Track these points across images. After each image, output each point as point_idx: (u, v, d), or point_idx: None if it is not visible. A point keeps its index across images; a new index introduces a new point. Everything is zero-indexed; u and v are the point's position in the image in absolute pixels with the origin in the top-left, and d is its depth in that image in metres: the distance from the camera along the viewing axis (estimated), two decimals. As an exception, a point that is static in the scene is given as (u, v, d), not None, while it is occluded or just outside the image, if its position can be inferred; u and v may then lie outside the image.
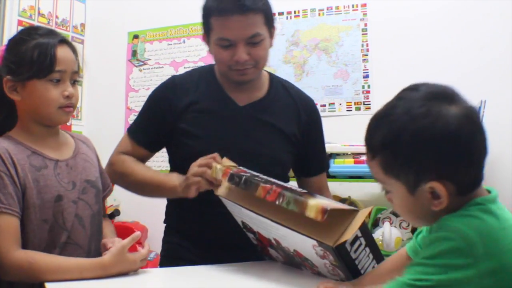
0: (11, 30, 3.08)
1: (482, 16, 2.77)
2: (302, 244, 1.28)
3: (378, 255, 1.31)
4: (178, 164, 1.67)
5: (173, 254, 1.67)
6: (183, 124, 1.62)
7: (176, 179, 1.53)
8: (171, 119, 1.63)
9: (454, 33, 2.83)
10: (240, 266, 1.48)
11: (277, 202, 1.27)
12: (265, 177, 1.41)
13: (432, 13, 2.88)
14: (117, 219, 3.24)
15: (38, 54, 1.37)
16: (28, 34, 1.42)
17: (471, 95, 2.78)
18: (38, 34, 1.41)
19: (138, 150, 1.69)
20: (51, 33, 1.44)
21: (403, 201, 0.97)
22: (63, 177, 1.42)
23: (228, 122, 1.62)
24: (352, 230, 1.21)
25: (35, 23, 3.25)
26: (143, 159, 1.72)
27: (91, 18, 3.70)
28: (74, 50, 1.46)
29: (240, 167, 1.47)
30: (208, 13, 1.56)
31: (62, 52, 1.41)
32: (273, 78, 1.75)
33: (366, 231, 1.25)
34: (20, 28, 3.12)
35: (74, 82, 1.45)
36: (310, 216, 1.20)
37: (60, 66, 1.39)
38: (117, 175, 1.67)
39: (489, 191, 1.00)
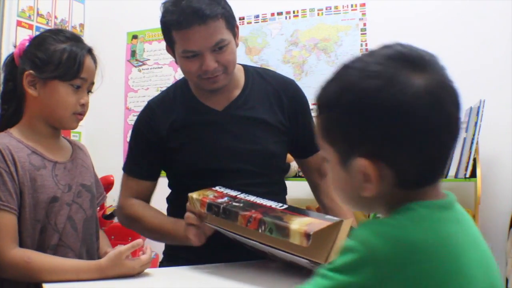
0: (10, 30, 3.07)
1: (481, 16, 2.77)
2: (296, 259, 1.27)
3: None
4: (176, 181, 1.70)
5: (174, 253, 1.67)
6: (170, 144, 1.63)
7: (183, 229, 1.50)
8: (159, 144, 1.63)
9: (453, 33, 2.82)
10: (241, 265, 1.48)
11: (259, 231, 1.25)
12: (243, 196, 1.41)
13: (431, 12, 2.88)
14: (116, 219, 3.24)
15: (68, 57, 1.40)
16: (55, 34, 1.45)
17: (470, 95, 2.79)
18: (65, 36, 1.45)
19: (142, 184, 1.67)
20: (79, 39, 1.48)
21: (336, 174, 0.81)
22: (60, 179, 1.42)
23: (212, 129, 1.62)
24: (341, 242, 1.19)
25: (34, 23, 3.25)
26: (150, 191, 1.70)
27: (90, 18, 3.70)
28: (96, 61, 1.50)
29: (217, 188, 1.47)
30: (167, 27, 1.54)
31: (88, 61, 1.45)
32: (247, 70, 1.73)
33: None
34: (19, 28, 3.12)
35: (88, 92, 1.49)
36: (294, 243, 1.18)
37: (84, 74, 1.43)
38: (127, 219, 1.68)
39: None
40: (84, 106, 1.46)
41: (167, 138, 1.63)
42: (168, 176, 1.72)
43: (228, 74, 1.58)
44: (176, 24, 1.50)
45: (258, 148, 1.62)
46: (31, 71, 1.40)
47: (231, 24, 1.55)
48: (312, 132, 1.82)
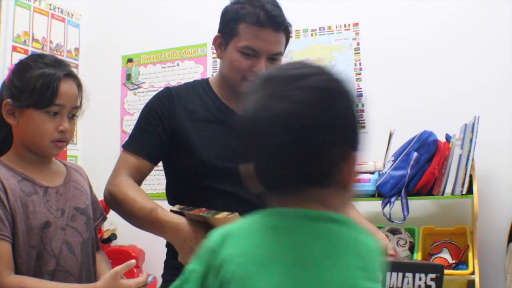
0: (5, 56, 3.08)
1: (476, 34, 2.79)
2: None
3: None
4: (183, 174, 1.64)
5: (173, 278, 1.65)
6: (184, 133, 1.61)
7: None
8: (171, 127, 1.62)
9: (447, 50, 2.84)
10: None
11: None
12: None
13: (425, 31, 2.91)
14: (114, 243, 3.22)
15: (41, 84, 1.37)
16: (35, 60, 1.42)
17: (465, 112, 2.77)
18: (44, 62, 1.41)
19: (140, 164, 1.61)
20: (58, 63, 1.43)
21: None
22: (52, 204, 1.41)
23: (230, 129, 1.62)
24: None
25: (30, 48, 3.26)
26: (146, 173, 1.65)
27: (85, 43, 3.72)
28: (79, 85, 1.46)
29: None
30: (237, 18, 1.57)
31: (65, 86, 1.41)
32: None
33: None
34: (14, 54, 3.13)
35: (72, 116, 1.45)
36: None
37: (60, 100, 1.39)
38: (114, 201, 1.57)
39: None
40: (64, 132, 1.41)
41: (180, 125, 1.61)
42: (170, 174, 1.69)
43: None
44: (254, 20, 1.54)
45: None
46: (8, 100, 1.39)
47: (287, 42, 1.66)
48: None
